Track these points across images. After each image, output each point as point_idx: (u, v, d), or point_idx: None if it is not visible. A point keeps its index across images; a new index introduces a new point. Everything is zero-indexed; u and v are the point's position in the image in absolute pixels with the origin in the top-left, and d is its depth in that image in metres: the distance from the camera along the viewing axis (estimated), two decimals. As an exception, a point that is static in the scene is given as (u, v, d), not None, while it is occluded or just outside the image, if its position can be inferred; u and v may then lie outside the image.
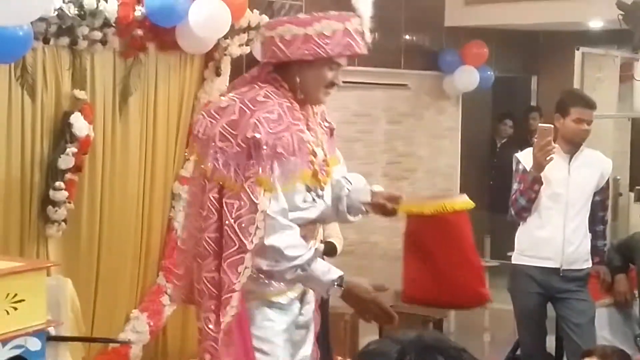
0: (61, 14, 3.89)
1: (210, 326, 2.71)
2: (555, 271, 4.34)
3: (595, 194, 4.38)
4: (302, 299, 3.00)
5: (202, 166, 2.78)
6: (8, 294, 2.26)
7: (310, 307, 3.07)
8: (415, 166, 6.88)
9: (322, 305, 4.50)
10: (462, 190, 7.30)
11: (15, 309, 2.27)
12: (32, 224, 4.01)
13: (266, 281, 2.83)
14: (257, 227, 2.68)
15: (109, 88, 4.28)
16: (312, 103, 2.95)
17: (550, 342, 4.68)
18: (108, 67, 4.27)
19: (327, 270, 2.76)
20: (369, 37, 3.03)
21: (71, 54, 4.08)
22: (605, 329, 4.66)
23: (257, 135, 2.68)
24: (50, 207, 3.99)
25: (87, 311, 4.11)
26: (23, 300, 2.28)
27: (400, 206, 2.98)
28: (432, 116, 7.00)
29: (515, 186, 4.36)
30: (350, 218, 3.03)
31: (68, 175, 4.01)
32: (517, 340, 4.75)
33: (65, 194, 3.99)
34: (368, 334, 5.44)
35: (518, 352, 4.75)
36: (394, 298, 6.32)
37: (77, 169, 4.05)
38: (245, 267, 2.69)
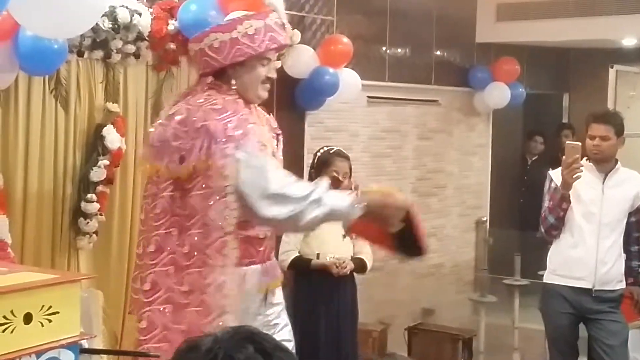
0: (95, 28, 3.90)
1: None
2: (587, 291, 4.28)
3: (630, 215, 4.33)
4: (265, 298, 3.02)
5: (157, 170, 2.92)
6: (43, 306, 2.25)
7: (277, 310, 3.08)
8: (445, 183, 6.84)
9: (351, 321, 4.48)
10: (492, 208, 7.27)
11: (50, 321, 2.26)
12: (63, 236, 4.01)
13: None
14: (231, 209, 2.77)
15: (142, 101, 4.30)
16: (253, 101, 3.06)
17: (582, 364, 4.62)
18: (141, 81, 4.28)
19: (341, 196, 2.83)
20: (289, 28, 3.22)
21: (105, 67, 4.09)
22: (638, 350, 4.59)
23: (206, 124, 2.81)
24: (81, 219, 4.00)
25: (117, 324, 4.11)
26: (57, 312, 2.27)
27: None
28: (462, 133, 6.96)
29: (545, 204, 4.33)
30: None
31: (100, 188, 4.02)
32: (548, 360, 4.70)
33: (96, 206, 4.00)
34: (396, 350, 5.41)
35: (549, 373, 4.68)
36: (422, 315, 6.28)
37: (108, 181, 4.06)
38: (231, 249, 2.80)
